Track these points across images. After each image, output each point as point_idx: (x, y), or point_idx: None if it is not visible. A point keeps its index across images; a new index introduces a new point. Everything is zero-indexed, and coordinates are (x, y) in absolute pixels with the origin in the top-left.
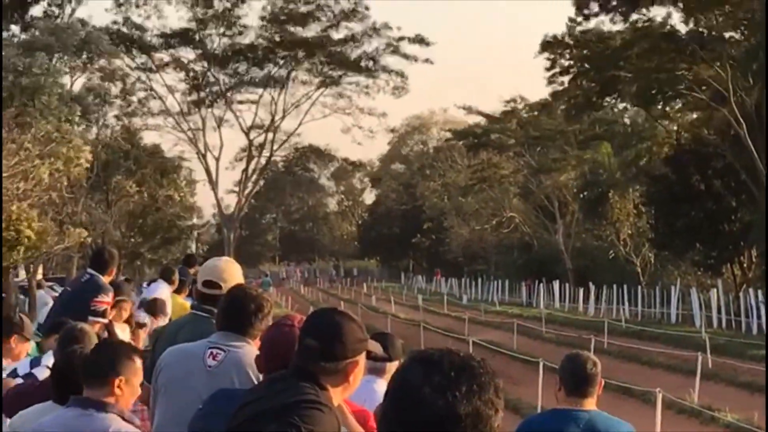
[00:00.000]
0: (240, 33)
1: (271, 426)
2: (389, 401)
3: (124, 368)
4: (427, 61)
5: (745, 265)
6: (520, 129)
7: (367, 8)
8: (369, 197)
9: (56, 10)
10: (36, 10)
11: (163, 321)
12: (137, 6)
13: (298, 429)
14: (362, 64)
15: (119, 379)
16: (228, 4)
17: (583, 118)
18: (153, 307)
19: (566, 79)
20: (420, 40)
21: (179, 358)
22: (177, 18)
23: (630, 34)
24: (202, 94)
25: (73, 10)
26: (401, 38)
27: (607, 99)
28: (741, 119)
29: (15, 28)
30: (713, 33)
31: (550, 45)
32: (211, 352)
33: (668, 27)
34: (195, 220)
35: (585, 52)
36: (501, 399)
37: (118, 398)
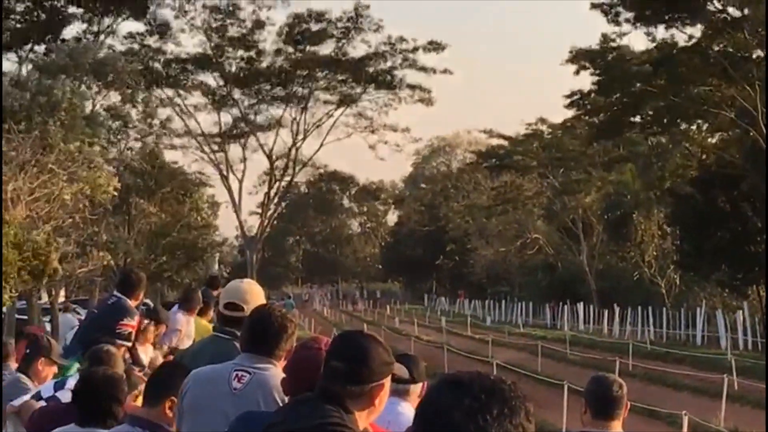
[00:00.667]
0: (258, 55)
1: None
2: (419, 424)
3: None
4: (445, 71)
5: None
6: (542, 150)
7: (380, 20)
8: (392, 219)
9: (91, 37)
10: (69, 33)
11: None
12: (151, 34)
13: None
14: (381, 78)
15: (170, 399)
16: (245, 30)
17: (606, 140)
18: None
19: (589, 97)
20: (435, 47)
21: (205, 381)
22: (192, 45)
23: (656, 53)
24: (224, 115)
25: (107, 35)
26: (416, 48)
27: (632, 120)
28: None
29: (39, 49)
30: (741, 52)
31: (577, 57)
32: (237, 375)
33: (696, 44)
34: (217, 239)
35: (609, 70)
36: (532, 423)
37: (170, 419)
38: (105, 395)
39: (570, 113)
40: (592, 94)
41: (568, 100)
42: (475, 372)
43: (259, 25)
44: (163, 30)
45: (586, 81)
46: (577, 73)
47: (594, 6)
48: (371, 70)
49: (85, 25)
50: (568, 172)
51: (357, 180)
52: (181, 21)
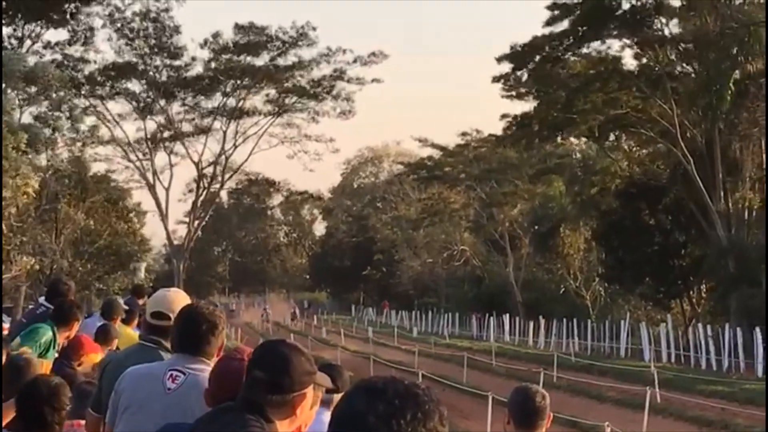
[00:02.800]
0: (187, 64)
1: None
2: (334, 429)
3: None
4: (374, 81)
5: (694, 300)
6: (472, 162)
7: (314, 28)
8: (319, 229)
9: (15, 42)
10: None
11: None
12: (71, 44)
13: None
14: (313, 91)
15: None
16: (167, 36)
17: (535, 151)
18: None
19: (521, 107)
20: (375, 56)
21: (139, 381)
22: (117, 53)
23: (582, 66)
24: (150, 123)
25: (33, 42)
26: (356, 59)
27: (560, 131)
28: (689, 155)
29: None
30: (663, 69)
31: (510, 57)
32: (171, 375)
33: (619, 61)
34: (143, 249)
35: (537, 86)
36: (446, 427)
37: None
38: (45, 404)
39: (504, 123)
40: (525, 98)
41: (504, 104)
42: (390, 377)
43: (176, 30)
44: (87, 38)
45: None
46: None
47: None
48: (301, 81)
49: (9, 30)
50: (496, 185)
51: (283, 185)
52: (107, 29)
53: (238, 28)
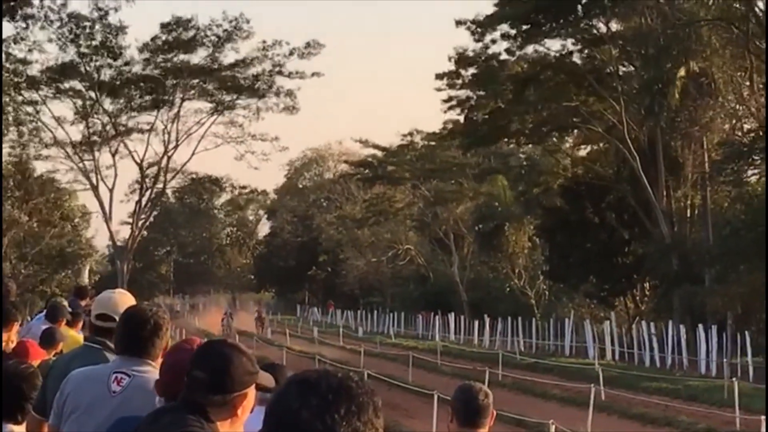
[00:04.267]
0: (127, 63)
1: None
2: (268, 424)
3: None
4: (314, 75)
5: (637, 297)
6: (416, 161)
7: (247, 21)
8: (263, 229)
9: None
10: None
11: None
12: (15, 42)
13: None
14: (254, 86)
15: None
16: (108, 35)
17: (478, 152)
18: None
19: (462, 108)
20: (310, 50)
21: (84, 384)
22: (57, 53)
23: (526, 66)
24: (92, 123)
25: None
26: (292, 52)
27: (503, 134)
28: (635, 152)
29: None
30: (609, 68)
31: (446, 74)
32: (116, 377)
33: (565, 59)
34: (87, 251)
35: (479, 87)
36: (380, 419)
37: None
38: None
39: (446, 118)
40: (471, 100)
41: (446, 105)
42: (323, 370)
43: (122, 30)
44: (24, 37)
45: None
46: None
47: (471, 22)
48: (241, 77)
49: None
50: (440, 183)
51: (227, 181)
52: (47, 30)
53: (164, 26)
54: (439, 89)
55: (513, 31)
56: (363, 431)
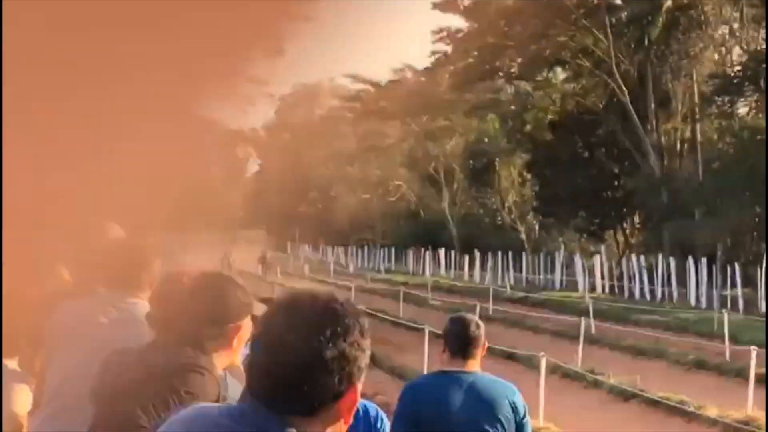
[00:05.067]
0: None
1: (150, 390)
2: (255, 350)
3: None
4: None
5: (627, 231)
6: (407, 97)
7: None
8: (253, 167)
9: None
10: None
11: None
12: None
13: (177, 393)
14: None
15: None
16: None
17: (467, 88)
18: None
19: (452, 47)
20: None
21: (70, 314)
22: None
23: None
24: None
25: None
26: None
27: (493, 69)
28: (624, 86)
29: None
30: (596, 0)
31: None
32: (104, 310)
33: None
34: None
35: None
36: (367, 339)
37: None
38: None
39: (434, 49)
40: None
41: (437, 36)
42: (309, 293)
43: None
44: None
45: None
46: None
47: None
48: None
49: None
50: (430, 119)
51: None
52: None
53: None
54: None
55: None
56: (349, 352)
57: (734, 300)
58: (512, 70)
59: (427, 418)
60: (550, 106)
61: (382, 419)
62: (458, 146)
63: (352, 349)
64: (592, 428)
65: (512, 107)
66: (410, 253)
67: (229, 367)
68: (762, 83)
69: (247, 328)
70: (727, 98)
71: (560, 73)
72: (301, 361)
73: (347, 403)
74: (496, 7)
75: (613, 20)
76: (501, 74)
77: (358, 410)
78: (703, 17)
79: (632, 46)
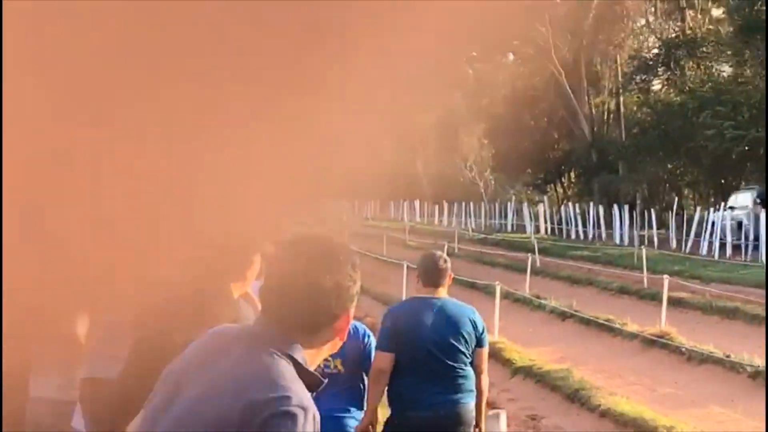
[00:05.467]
0: None
1: (184, 311)
2: (267, 281)
3: None
4: None
5: (565, 184)
6: None
7: None
8: None
9: None
10: None
11: None
12: None
13: (205, 314)
14: None
15: None
16: None
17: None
18: None
19: None
20: None
21: None
22: None
23: None
24: None
25: None
26: None
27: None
28: (561, 69)
29: None
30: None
31: None
32: None
33: None
34: None
35: None
36: (358, 273)
37: None
38: None
39: None
40: None
41: None
42: (312, 234)
43: None
44: None
45: None
46: None
47: None
48: None
49: None
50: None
51: None
52: None
53: None
54: None
55: None
56: (343, 282)
57: (650, 239)
58: (473, 54)
59: (405, 334)
60: (502, 85)
61: (369, 335)
62: (430, 120)
63: (345, 280)
64: (537, 341)
65: (472, 86)
66: (392, 204)
67: (243, 294)
68: (672, 65)
69: (257, 264)
70: (644, 77)
71: (511, 58)
72: (305, 290)
73: (341, 324)
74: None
75: (552, 15)
76: (465, 59)
77: (350, 329)
78: (625, 11)
79: (568, 36)
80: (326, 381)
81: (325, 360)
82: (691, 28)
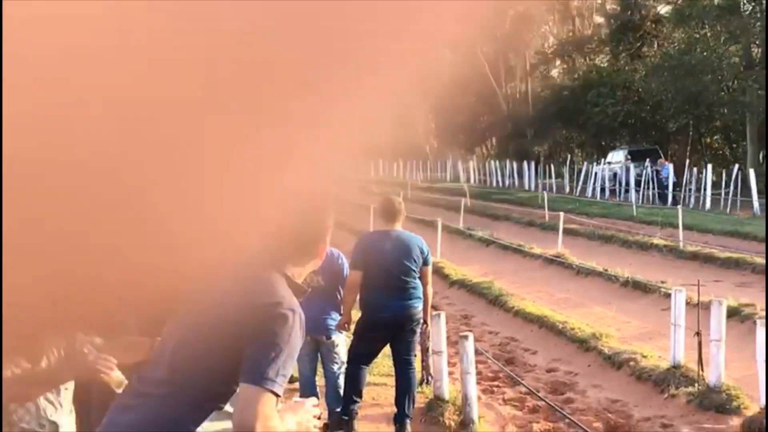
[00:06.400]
0: None
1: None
2: None
3: None
4: None
5: (488, 146)
6: None
7: None
8: None
9: None
10: None
11: None
12: None
13: None
14: None
15: None
16: None
17: None
18: None
19: None
20: None
21: None
22: None
23: None
24: None
25: None
26: None
27: None
28: (485, 62)
29: None
30: None
31: None
32: None
33: None
34: None
35: None
36: (332, 215)
37: None
38: None
39: None
40: None
41: None
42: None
43: None
44: None
45: None
46: None
47: None
48: None
49: None
50: None
51: None
52: None
53: None
54: None
55: None
56: (320, 219)
57: (551, 186)
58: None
59: (370, 258)
60: (442, 74)
61: (342, 258)
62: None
63: (322, 218)
64: (468, 261)
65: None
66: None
67: None
68: (565, 57)
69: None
70: (545, 67)
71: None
72: (294, 226)
73: (320, 249)
74: None
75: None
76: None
77: (327, 253)
78: (532, 19)
79: (491, 37)
80: (310, 290)
81: (309, 276)
82: (579, 30)
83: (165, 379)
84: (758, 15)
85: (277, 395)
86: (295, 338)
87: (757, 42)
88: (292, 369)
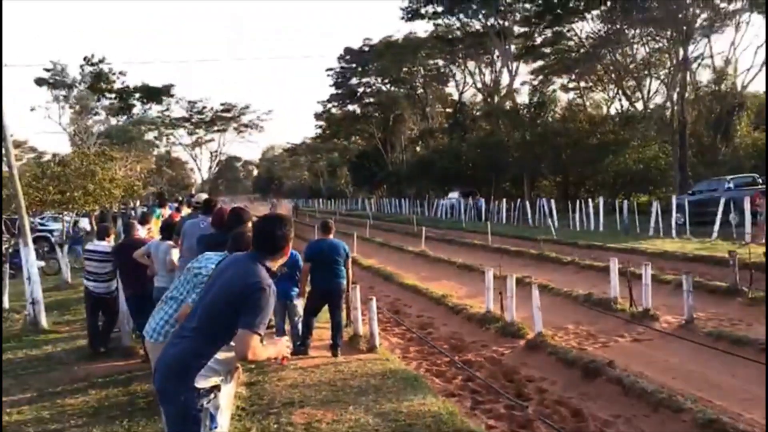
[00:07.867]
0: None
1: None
2: (254, 233)
3: None
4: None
5: (382, 190)
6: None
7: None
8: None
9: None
10: None
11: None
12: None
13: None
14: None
15: None
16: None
17: (328, 143)
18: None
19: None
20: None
21: (191, 227)
22: None
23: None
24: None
25: None
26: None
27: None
28: (379, 141)
29: None
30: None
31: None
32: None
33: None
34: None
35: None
36: (292, 227)
37: None
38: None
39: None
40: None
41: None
42: (273, 213)
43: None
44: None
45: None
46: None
47: None
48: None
49: None
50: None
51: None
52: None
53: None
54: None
55: None
56: (286, 232)
57: (417, 212)
58: (339, 139)
59: (315, 254)
60: (355, 148)
61: (297, 255)
62: (324, 164)
63: (287, 231)
64: (371, 256)
65: (344, 149)
66: (310, 201)
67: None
68: (425, 138)
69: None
70: (413, 144)
71: (354, 138)
72: (270, 235)
73: (285, 251)
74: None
75: (373, 118)
76: (336, 141)
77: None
78: (404, 115)
79: (382, 125)
80: (280, 274)
81: (279, 267)
82: (430, 124)
83: (196, 326)
84: (533, 111)
85: (260, 335)
86: (270, 302)
87: (528, 131)
88: (268, 320)
